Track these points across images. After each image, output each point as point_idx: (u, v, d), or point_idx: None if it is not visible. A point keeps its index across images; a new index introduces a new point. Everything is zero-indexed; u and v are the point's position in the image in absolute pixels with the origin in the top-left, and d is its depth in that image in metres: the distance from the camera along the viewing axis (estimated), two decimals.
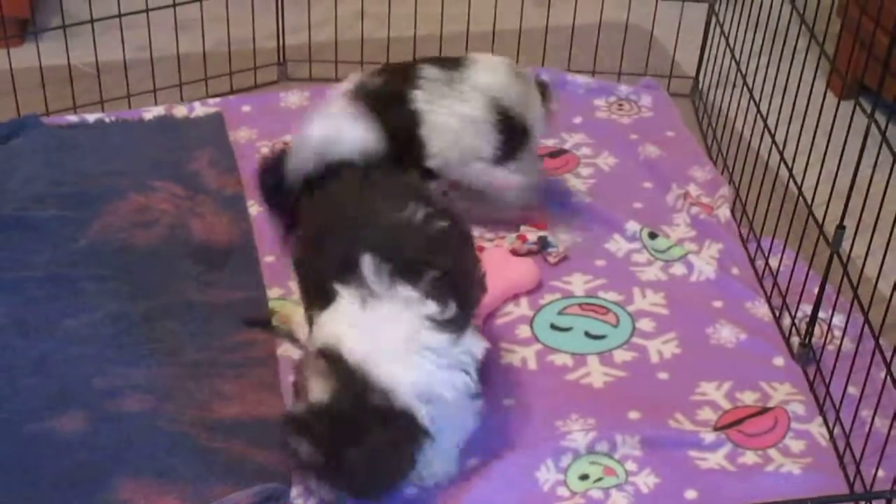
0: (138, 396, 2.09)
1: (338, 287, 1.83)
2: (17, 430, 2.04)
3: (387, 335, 1.79)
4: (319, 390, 1.77)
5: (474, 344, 1.90)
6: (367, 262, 1.82)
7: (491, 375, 2.15)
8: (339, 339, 1.79)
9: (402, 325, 1.80)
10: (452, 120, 2.33)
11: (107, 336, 2.21)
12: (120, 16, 2.80)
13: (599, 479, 1.96)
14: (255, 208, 2.53)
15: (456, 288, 1.86)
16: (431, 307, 1.81)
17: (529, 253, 2.41)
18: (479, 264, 2.02)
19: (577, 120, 2.84)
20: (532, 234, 2.43)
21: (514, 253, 2.41)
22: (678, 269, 2.42)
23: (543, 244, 2.41)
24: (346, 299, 1.82)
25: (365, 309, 1.80)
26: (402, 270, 1.82)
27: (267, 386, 2.12)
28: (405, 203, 1.92)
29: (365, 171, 2.08)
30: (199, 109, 2.85)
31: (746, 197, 2.55)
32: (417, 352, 1.80)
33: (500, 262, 2.34)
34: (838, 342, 2.15)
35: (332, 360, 1.77)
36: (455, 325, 1.83)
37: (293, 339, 2.19)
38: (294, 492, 1.92)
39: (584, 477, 1.96)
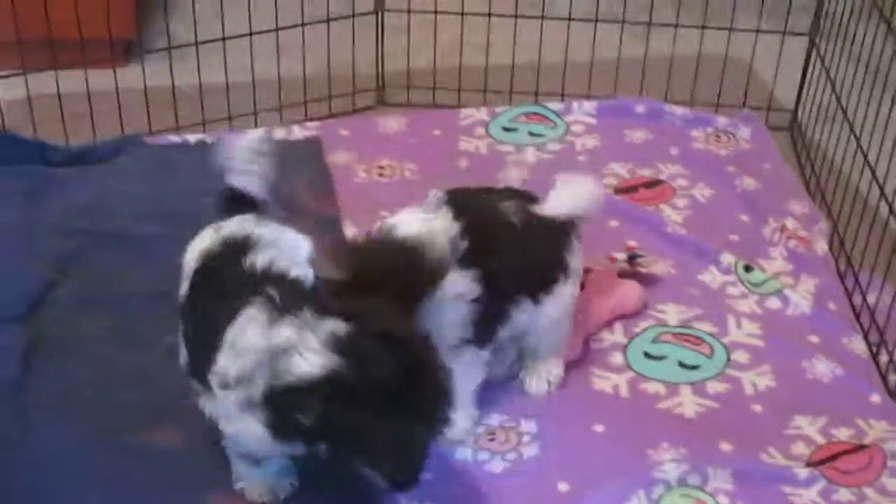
0: None
1: None
2: (116, 441, 2.09)
3: None
4: None
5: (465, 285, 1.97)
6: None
7: (582, 401, 2.18)
8: None
9: None
10: None
11: None
12: (224, 39, 2.87)
13: None
14: (350, 230, 2.57)
15: None
16: None
17: (624, 273, 2.42)
18: None
19: (674, 151, 2.85)
20: (621, 255, 2.45)
21: (620, 275, 2.42)
22: (773, 303, 2.41)
23: (632, 255, 2.43)
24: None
25: None
26: None
27: None
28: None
29: None
30: (298, 132, 2.90)
31: (845, 232, 2.54)
32: None
33: (607, 282, 2.36)
34: None
35: None
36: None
37: None
38: None
39: None
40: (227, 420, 1.87)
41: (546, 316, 2.12)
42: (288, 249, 1.99)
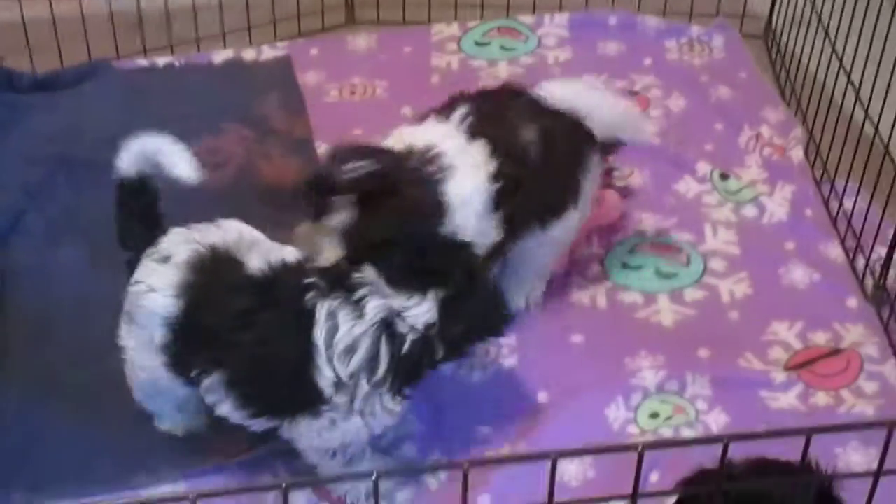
0: None
1: None
2: (93, 365, 2.09)
3: None
4: None
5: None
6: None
7: (561, 312, 2.18)
8: None
9: None
10: None
11: None
12: None
13: (669, 418, 1.97)
14: (323, 150, 2.55)
15: None
16: None
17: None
18: None
19: (648, 62, 2.82)
20: None
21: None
22: (749, 211, 2.41)
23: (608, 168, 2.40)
24: None
25: None
26: None
27: None
28: None
29: None
30: (268, 53, 2.87)
31: (820, 138, 2.53)
32: None
33: None
34: None
35: None
36: None
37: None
38: None
39: (655, 415, 1.98)
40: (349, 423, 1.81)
41: (550, 239, 2.11)
42: (258, 241, 1.92)
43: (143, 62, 2.83)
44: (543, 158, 2.03)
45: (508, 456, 1.89)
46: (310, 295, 1.75)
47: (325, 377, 1.73)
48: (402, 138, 2.00)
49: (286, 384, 1.77)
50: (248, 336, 1.75)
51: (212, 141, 2.56)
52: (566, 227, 2.11)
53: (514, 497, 1.78)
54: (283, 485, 1.11)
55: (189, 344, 1.81)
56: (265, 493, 1.85)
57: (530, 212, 2.05)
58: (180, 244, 1.86)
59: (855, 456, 1.92)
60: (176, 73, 2.81)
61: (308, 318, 1.74)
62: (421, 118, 2.09)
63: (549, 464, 1.14)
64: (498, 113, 2.06)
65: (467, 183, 1.96)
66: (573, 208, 2.09)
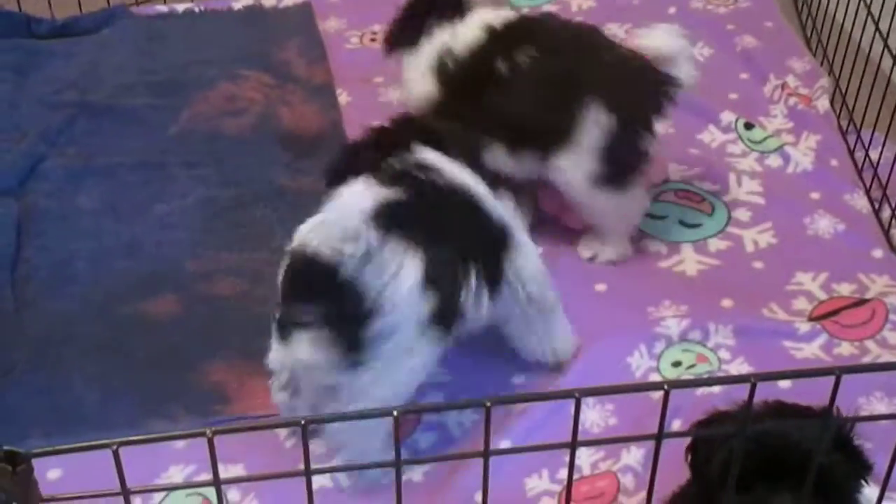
0: (230, 280, 2.12)
1: None
2: (111, 311, 2.08)
3: None
4: None
5: None
6: None
7: (584, 262, 2.16)
8: None
9: None
10: None
11: (197, 221, 2.25)
12: None
13: (692, 366, 1.96)
14: (343, 97, 2.53)
15: None
16: None
17: None
18: None
19: (672, 10, 2.78)
20: None
21: None
22: (774, 161, 2.38)
23: None
24: None
25: None
26: None
27: None
28: None
29: None
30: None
31: (847, 88, 2.50)
32: None
33: None
34: None
35: None
36: None
37: None
38: None
39: (677, 364, 1.96)
40: None
41: None
42: None
43: (162, 8, 2.81)
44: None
45: (531, 394, 1.87)
46: None
47: None
48: None
49: None
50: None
51: (231, 87, 2.54)
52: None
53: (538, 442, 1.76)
54: (302, 421, 1.09)
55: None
56: (283, 430, 1.84)
57: None
58: None
59: (879, 406, 1.90)
60: (195, 18, 2.79)
61: None
62: None
63: (572, 407, 1.12)
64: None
65: None
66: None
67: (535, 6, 2.79)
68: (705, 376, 1.92)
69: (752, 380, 1.06)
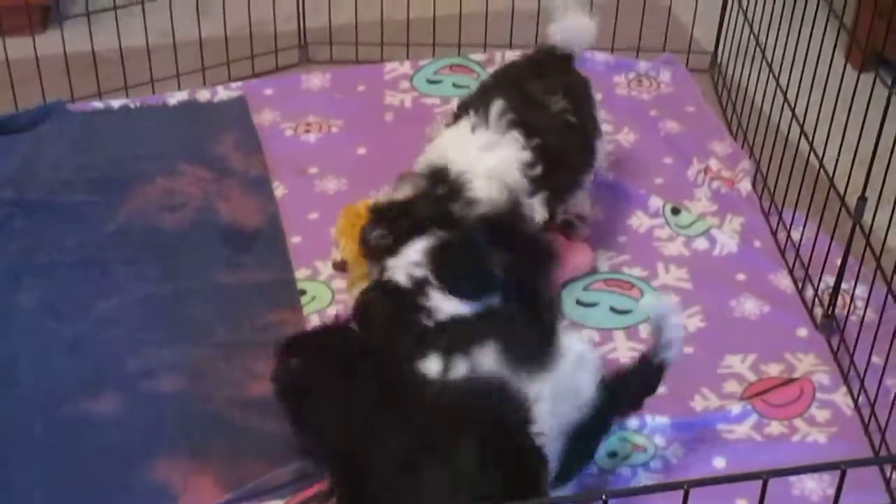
0: (172, 377, 2.12)
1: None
2: (54, 410, 2.07)
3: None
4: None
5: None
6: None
7: None
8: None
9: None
10: None
11: (138, 318, 2.25)
12: (143, 1, 2.83)
13: (627, 457, 1.98)
14: (280, 190, 2.56)
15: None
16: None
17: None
18: None
19: (598, 97, 2.83)
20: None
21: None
22: (701, 244, 2.43)
23: (565, 222, 2.42)
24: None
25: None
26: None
27: None
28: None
29: None
30: (223, 93, 2.87)
31: (767, 170, 2.56)
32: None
33: (561, 247, 2.33)
34: (861, 312, 2.17)
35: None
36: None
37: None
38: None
39: (613, 455, 1.99)
40: None
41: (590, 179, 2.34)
42: None
43: (97, 104, 2.82)
44: (578, 123, 2.25)
45: None
46: None
47: None
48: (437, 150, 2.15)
49: None
50: None
51: (169, 182, 2.55)
52: (602, 164, 2.38)
53: None
54: None
55: None
56: None
57: (577, 170, 2.27)
58: None
59: (810, 483, 1.95)
60: (131, 114, 2.80)
61: None
62: (455, 117, 2.24)
63: None
64: (527, 94, 2.23)
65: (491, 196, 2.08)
66: (601, 141, 2.34)
67: None
68: (639, 469, 1.95)
69: (685, 486, 1.09)
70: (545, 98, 2.23)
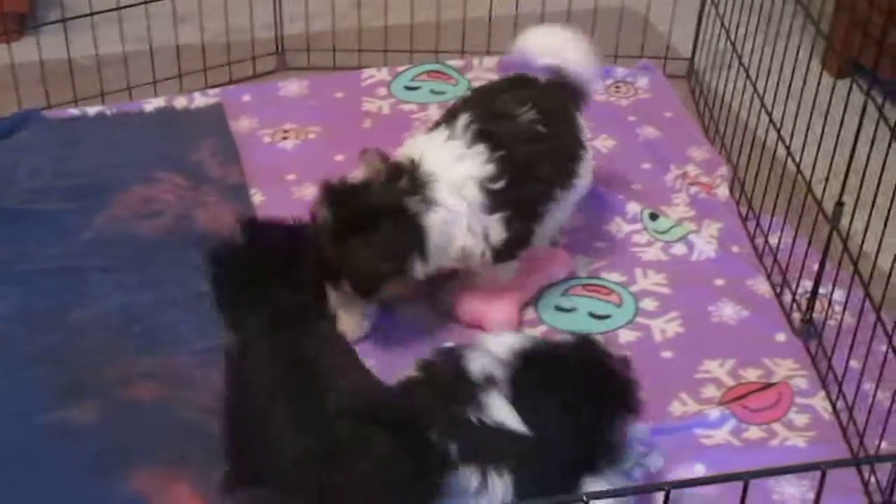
0: (150, 385, 2.11)
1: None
2: (29, 421, 2.06)
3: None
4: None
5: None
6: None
7: None
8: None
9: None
10: None
11: (115, 326, 2.24)
12: (119, 8, 2.82)
13: None
14: (258, 196, 2.55)
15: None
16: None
17: None
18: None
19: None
20: None
21: None
22: (679, 249, 2.44)
23: None
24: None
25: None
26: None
27: None
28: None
29: None
30: (200, 100, 2.86)
31: (745, 175, 2.57)
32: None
33: (539, 252, 2.34)
34: (839, 317, 2.17)
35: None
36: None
37: None
38: None
39: None
40: None
41: (573, 195, 2.29)
42: None
43: (74, 111, 2.81)
44: (550, 135, 2.20)
45: None
46: None
47: None
48: (408, 151, 2.17)
49: None
50: None
51: (145, 190, 2.54)
52: (585, 180, 2.30)
53: None
54: None
55: None
56: None
57: (549, 183, 2.20)
58: None
59: (789, 488, 1.95)
60: (107, 121, 2.79)
61: None
62: (434, 126, 2.25)
63: None
64: (496, 106, 2.22)
65: (450, 203, 2.10)
66: (586, 157, 2.28)
67: (444, 101, 2.83)
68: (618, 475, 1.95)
69: (665, 487, 1.09)
70: (513, 109, 2.21)
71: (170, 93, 2.89)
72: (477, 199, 2.12)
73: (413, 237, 2.08)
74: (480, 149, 2.14)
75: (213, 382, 2.10)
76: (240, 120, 2.81)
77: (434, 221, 2.09)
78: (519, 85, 2.30)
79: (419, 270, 2.11)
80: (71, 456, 2.00)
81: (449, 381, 1.73)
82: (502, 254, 2.19)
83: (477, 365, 1.73)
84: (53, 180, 2.59)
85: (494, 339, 1.81)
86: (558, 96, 2.31)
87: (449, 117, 2.22)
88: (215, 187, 2.57)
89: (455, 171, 2.13)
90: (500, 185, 2.13)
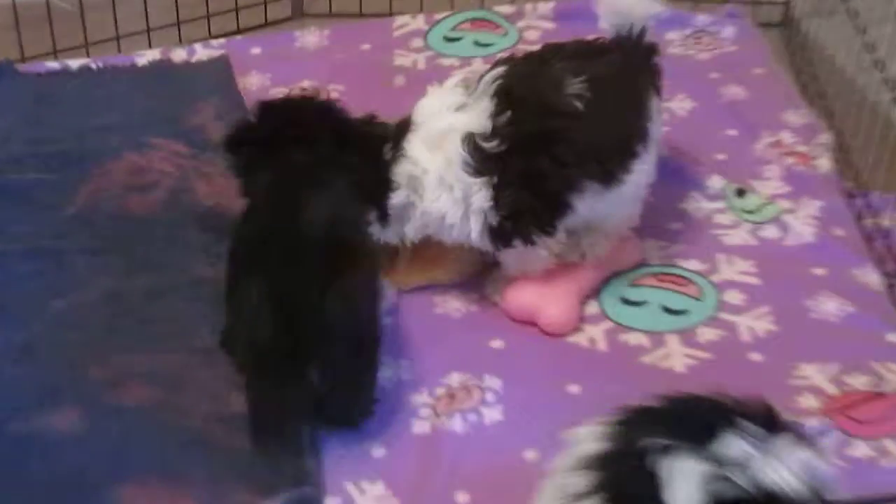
0: (142, 388, 2.13)
1: None
2: (2, 429, 2.07)
3: None
4: None
5: None
6: None
7: (554, 358, 2.19)
8: None
9: None
10: None
11: (102, 318, 2.26)
12: None
13: None
14: None
15: None
16: None
17: None
18: None
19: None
20: None
21: None
22: (770, 232, 2.43)
23: None
24: None
25: None
26: None
27: None
28: None
29: None
30: (202, 53, 2.88)
31: (851, 144, 2.56)
32: None
33: None
34: None
35: None
36: None
37: None
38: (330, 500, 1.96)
39: None
40: None
41: (619, 197, 2.24)
42: None
43: (53, 64, 2.84)
44: (592, 111, 2.15)
45: None
46: None
47: None
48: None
49: None
50: None
51: (137, 158, 2.56)
52: (636, 182, 2.24)
53: None
54: None
55: None
56: None
57: (567, 166, 2.16)
58: None
59: None
60: (92, 77, 2.82)
61: None
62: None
63: None
64: (542, 70, 2.21)
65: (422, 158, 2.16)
66: (640, 157, 2.21)
67: (490, 55, 2.84)
68: None
69: None
70: (562, 77, 2.18)
71: (166, 43, 2.91)
72: (458, 155, 2.13)
73: (373, 189, 2.17)
74: (486, 104, 2.14)
75: (217, 385, 2.12)
76: (249, 76, 2.82)
77: (398, 175, 2.16)
78: (589, 53, 2.27)
79: (389, 232, 2.22)
80: (49, 470, 2.01)
81: None
82: (504, 235, 2.19)
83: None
84: (28, 147, 2.61)
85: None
86: (634, 79, 2.27)
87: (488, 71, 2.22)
88: (219, 155, 2.58)
89: (441, 120, 2.15)
90: (493, 145, 2.12)
